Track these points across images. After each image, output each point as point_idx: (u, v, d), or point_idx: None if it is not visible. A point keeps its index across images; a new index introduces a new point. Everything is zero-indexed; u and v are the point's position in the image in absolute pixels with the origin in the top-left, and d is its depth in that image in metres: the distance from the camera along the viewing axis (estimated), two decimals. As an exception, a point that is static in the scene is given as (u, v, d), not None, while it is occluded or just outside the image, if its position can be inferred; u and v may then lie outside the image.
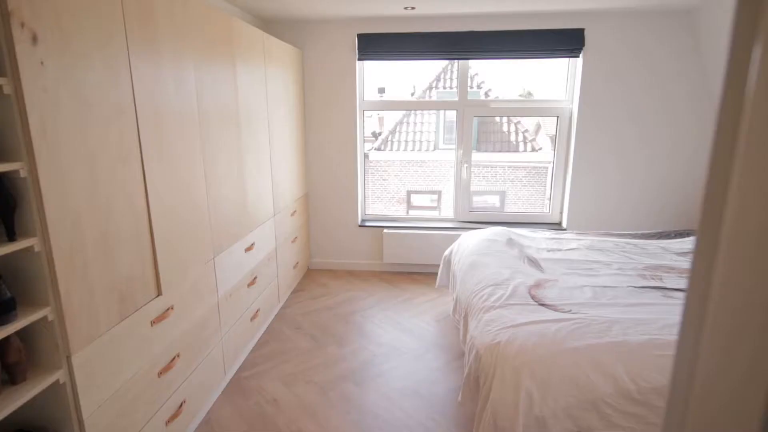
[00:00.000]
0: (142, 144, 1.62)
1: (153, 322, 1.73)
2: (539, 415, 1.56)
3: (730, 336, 0.35)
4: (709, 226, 0.37)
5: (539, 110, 3.93)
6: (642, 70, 3.48)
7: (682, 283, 2.23)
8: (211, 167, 2.14)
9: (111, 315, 1.50)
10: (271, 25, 3.70)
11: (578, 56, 3.53)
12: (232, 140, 2.38)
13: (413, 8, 3.20)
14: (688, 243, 2.87)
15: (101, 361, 1.46)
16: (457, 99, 3.83)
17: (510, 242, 2.81)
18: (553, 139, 3.89)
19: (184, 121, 1.91)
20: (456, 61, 3.80)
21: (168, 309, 1.82)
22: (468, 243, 2.90)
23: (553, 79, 4.14)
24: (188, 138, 1.94)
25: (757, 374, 0.33)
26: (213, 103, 2.15)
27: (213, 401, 2.30)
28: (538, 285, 2.19)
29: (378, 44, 3.59)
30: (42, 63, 1.20)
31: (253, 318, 2.71)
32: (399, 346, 2.86)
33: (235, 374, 2.54)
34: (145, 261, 1.67)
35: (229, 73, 2.32)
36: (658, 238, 2.98)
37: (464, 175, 3.97)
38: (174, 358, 1.87)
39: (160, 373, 1.78)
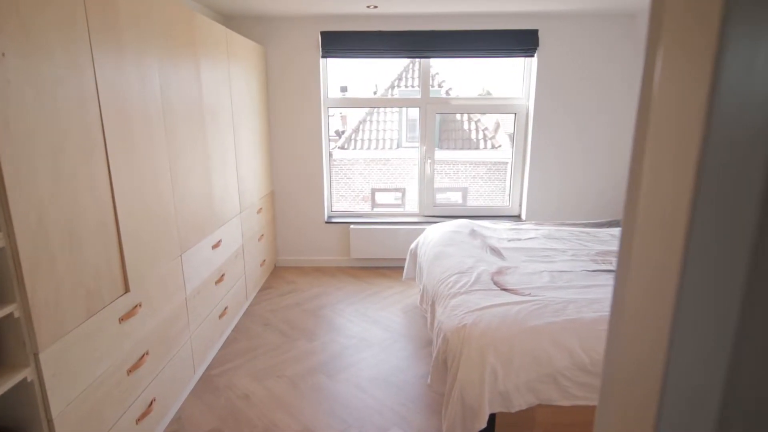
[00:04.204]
0: (106, 139, 1.60)
1: (121, 319, 1.71)
2: (503, 390, 1.66)
3: (639, 311, 0.41)
4: (630, 214, 0.43)
5: (498, 107, 4.09)
6: (590, 70, 3.70)
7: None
8: (177, 163, 2.13)
9: (78, 312, 1.48)
10: (232, 21, 3.66)
11: (533, 56, 3.70)
12: (197, 137, 2.36)
13: (375, 7, 3.26)
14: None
15: (69, 359, 1.44)
16: (419, 96, 3.93)
17: (473, 233, 2.93)
18: (512, 137, 4.07)
19: (149, 117, 1.89)
20: (417, 59, 3.90)
21: (136, 306, 1.80)
22: (433, 235, 3.00)
23: (510, 78, 4.32)
24: (153, 134, 1.92)
25: (656, 347, 0.38)
26: (177, 98, 2.13)
27: (183, 399, 2.28)
28: (500, 272, 2.31)
29: (341, 42, 3.63)
30: (3, 54, 1.18)
31: (221, 315, 2.70)
32: (368, 337, 2.92)
33: (205, 372, 2.53)
34: (111, 257, 1.65)
35: (192, 68, 2.30)
36: (608, 226, 3.19)
37: (428, 170, 4.07)
38: (143, 356, 1.86)
39: (129, 371, 1.76)
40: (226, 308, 2.77)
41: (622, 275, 0.47)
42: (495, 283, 2.16)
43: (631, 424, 0.41)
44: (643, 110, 0.41)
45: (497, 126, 8.43)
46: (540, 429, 1.77)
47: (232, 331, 2.98)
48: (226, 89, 2.78)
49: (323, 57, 3.72)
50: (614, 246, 2.76)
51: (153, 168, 1.92)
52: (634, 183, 0.43)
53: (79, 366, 1.48)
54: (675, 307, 0.35)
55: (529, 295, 2.02)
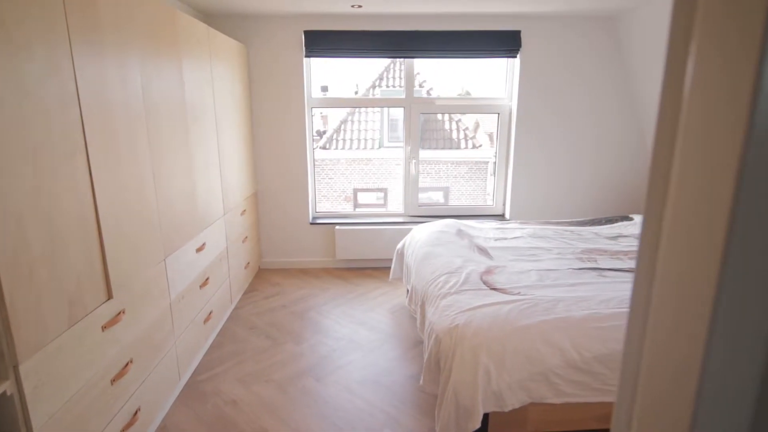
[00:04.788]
0: (87, 140, 1.54)
1: (104, 327, 1.65)
2: (496, 390, 1.67)
3: (672, 309, 0.41)
4: (653, 212, 0.42)
5: (481, 107, 4.12)
6: (572, 70, 3.76)
7: (614, 264, 2.46)
8: (160, 165, 2.07)
9: (60, 320, 1.42)
10: (213, 19, 3.59)
11: (516, 56, 3.74)
12: (180, 137, 2.30)
13: (360, 6, 3.24)
14: (616, 228, 3.16)
15: (51, 370, 1.38)
16: (404, 96, 3.93)
17: (460, 233, 2.95)
18: (492, 137, 4.11)
19: (131, 117, 1.83)
20: (401, 59, 3.89)
21: (119, 313, 1.74)
22: (420, 236, 3.00)
23: (490, 78, 4.36)
24: (135, 135, 1.86)
25: (693, 339, 0.38)
26: (159, 98, 2.07)
27: (168, 407, 2.22)
28: (488, 271, 2.32)
29: (325, 41, 3.60)
30: (-22, 52, 1.12)
31: (206, 320, 2.64)
32: (356, 339, 2.90)
33: (190, 378, 2.47)
34: (94, 262, 1.59)
35: (174, 67, 2.24)
36: (591, 225, 3.25)
37: (412, 170, 4.08)
38: (127, 364, 1.80)
39: (113, 381, 1.70)
40: (210, 312, 2.71)
41: (645, 275, 0.47)
42: (484, 283, 2.17)
43: (665, 422, 0.41)
44: (668, 108, 0.41)
45: (477, 125, 8.51)
46: (532, 427, 1.79)
47: (217, 335, 2.92)
48: (208, 89, 2.72)
49: (307, 56, 3.68)
50: (598, 244, 2.81)
51: (135, 170, 1.86)
52: (658, 184, 0.43)
53: (61, 377, 1.42)
54: (713, 308, 0.35)
55: (518, 294, 2.04)
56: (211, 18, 3.58)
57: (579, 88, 3.80)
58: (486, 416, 1.77)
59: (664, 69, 0.41)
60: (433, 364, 1.85)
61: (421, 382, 1.94)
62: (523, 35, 3.66)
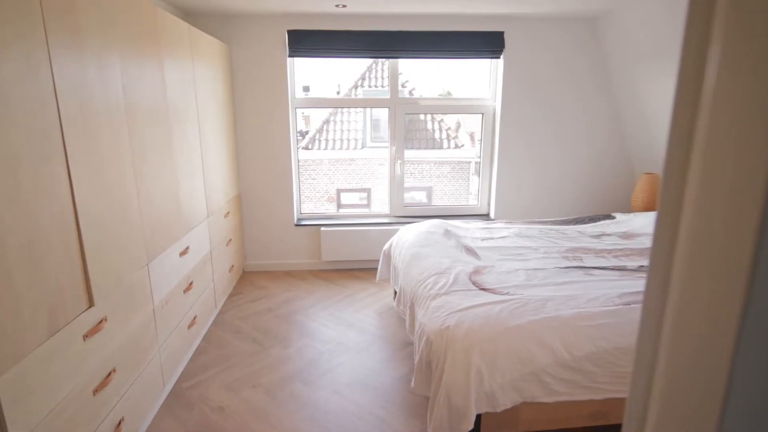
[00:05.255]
0: (66, 142, 1.48)
1: (86, 336, 1.59)
2: (488, 390, 1.67)
3: (689, 311, 0.40)
4: (667, 212, 0.41)
5: (465, 108, 4.14)
6: (556, 71, 3.81)
7: (599, 262, 2.50)
8: (142, 167, 2.01)
9: (40, 331, 1.36)
10: (194, 18, 3.51)
11: (499, 57, 3.77)
12: (162, 138, 2.24)
13: (344, 6, 3.22)
14: (599, 227, 3.21)
15: (31, 382, 1.32)
16: (388, 97, 3.92)
17: (447, 233, 2.95)
18: (473, 136, 4.13)
19: (111, 118, 1.77)
20: (385, 59, 3.88)
21: (101, 321, 1.69)
22: (407, 236, 2.99)
23: (472, 78, 4.38)
24: (116, 136, 1.80)
25: (716, 347, 0.37)
26: (141, 98, 2.01)
27: (153, 416, 2.16)
28: (477, 271, 2.33)
29: (309, 41, 3.56)
30: (-50, 50, 1.06)
31: (190, 325, 2.58)
32: (344, 341, 2.88)
33: (175, 385, 2.41)
34: (74, 269, 1.53)
35: (156, 67, 2.18)
36: (575, 224, 3.30)
37: (398, 171, 4.07)
38: (110, 374, 1.74)
39: (95, 391, 1.64)
40: (195, 317, 2.65)
41: (659, 277, 0.46)
42: (473, 283, 2.18)
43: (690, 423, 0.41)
44: (684, 106, 0.40)
45: (458, 125, 8.56)
46: (524, 426, 1.80)
47: (202, 340, 2.86)
48: (191, 89, 2.66)
49: (290, 56, 3.63)
50: (582, 243, 2.85)
51: (117, 172, 1.80)
52: (675, 184, 0.42)
53: (42, 390, 1.37)
54: (742, 311, 0.35)
55: (507, 294, 2.05)
56: (193, 17, 3.51)
57: (562, 89, 3.85)
58: (478, 417, 1.77)
59: (680, 65, 0.40)
60: (425, 366, 1.84)
61: (412, 384, 1.94)
62: (506, 36, 3.69)
